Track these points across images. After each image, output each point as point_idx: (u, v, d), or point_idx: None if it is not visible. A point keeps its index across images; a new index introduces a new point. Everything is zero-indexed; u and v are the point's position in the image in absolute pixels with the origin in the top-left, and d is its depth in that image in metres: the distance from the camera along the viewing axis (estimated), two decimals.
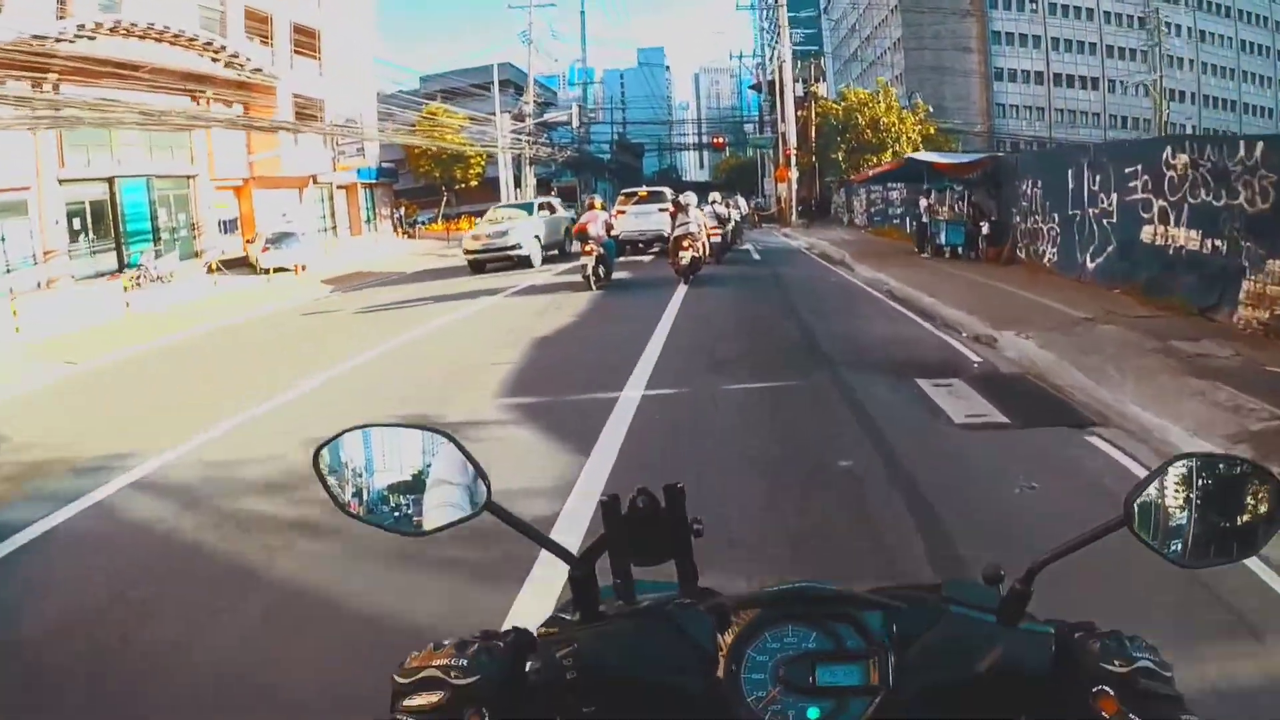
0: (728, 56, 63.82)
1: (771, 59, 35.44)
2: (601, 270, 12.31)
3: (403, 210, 36.99)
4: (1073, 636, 0.71)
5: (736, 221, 19.24)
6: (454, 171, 34.77)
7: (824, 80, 32.94)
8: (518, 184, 34.72)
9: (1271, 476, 0.74)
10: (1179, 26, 48.80)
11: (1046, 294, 9.05)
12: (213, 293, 17.10)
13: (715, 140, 40.80)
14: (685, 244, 12.08)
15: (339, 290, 16.16)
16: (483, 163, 34.16)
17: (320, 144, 28.89)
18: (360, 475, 0.80)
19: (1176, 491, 0.74)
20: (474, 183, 35.34)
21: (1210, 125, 46.80)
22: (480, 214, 33.90)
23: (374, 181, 33.43)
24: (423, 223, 37.01)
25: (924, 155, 18.04)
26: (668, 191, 20.71)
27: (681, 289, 11.45)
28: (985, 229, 13.40)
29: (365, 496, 0.80)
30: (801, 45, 35.12)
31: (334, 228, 31.57)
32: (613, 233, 13.50)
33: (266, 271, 19.53)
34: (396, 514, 0.78)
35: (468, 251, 16.85)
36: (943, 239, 14.45)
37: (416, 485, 0.78)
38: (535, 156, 35.33)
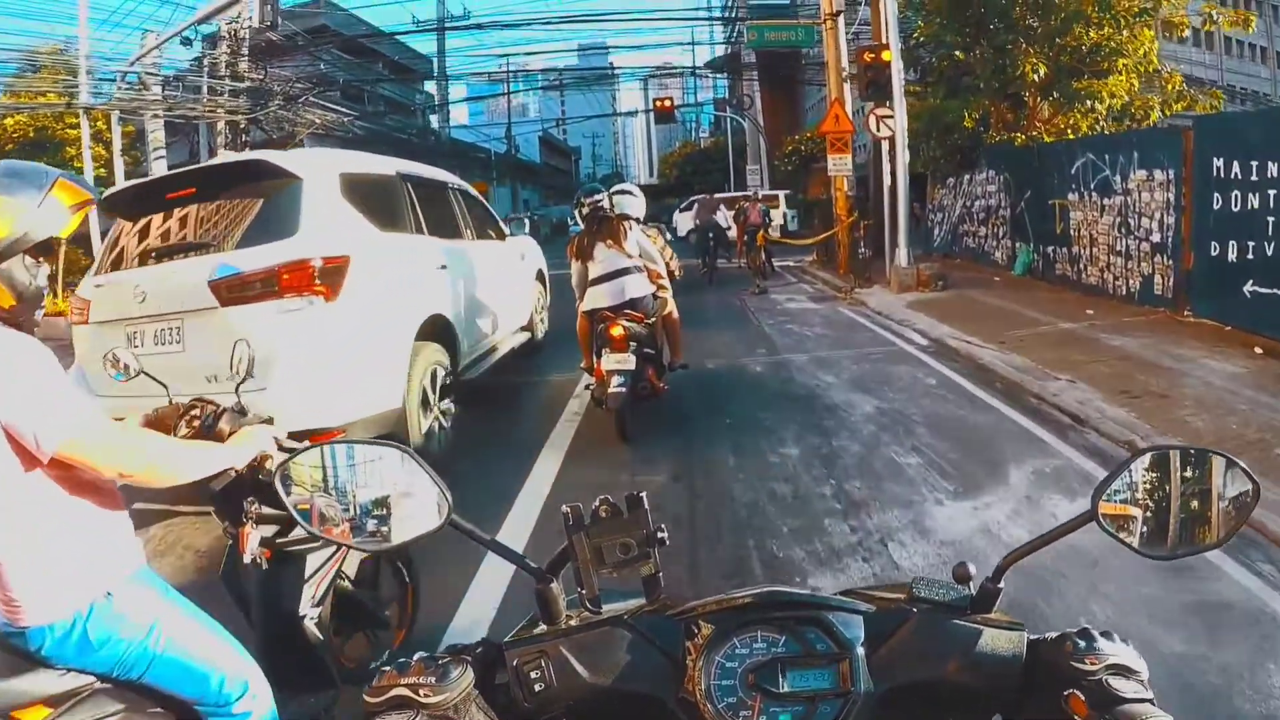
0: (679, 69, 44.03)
1: None
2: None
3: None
4: (1044, 635, 0.71)
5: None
6: None
7: None
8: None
9: (1237, 466, 0.73)
10: None
11: None
12: None
13: (659, 104, 21.50)
14: (617, 335, 4.22)
15: None
16: (108, 154, 13.67)
17: None
18: (322, 491, 0.78)
19: (1142, 484, 0.74)
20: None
21: None
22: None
23: None
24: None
25: None
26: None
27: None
28: None
29: (328, 511, 0.77)
30: None
31: None
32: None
33: None
34: (359, 528, 0.77)
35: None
36: None
37: (379, 500, 0.77)
38: (246, 120, 15.14)
